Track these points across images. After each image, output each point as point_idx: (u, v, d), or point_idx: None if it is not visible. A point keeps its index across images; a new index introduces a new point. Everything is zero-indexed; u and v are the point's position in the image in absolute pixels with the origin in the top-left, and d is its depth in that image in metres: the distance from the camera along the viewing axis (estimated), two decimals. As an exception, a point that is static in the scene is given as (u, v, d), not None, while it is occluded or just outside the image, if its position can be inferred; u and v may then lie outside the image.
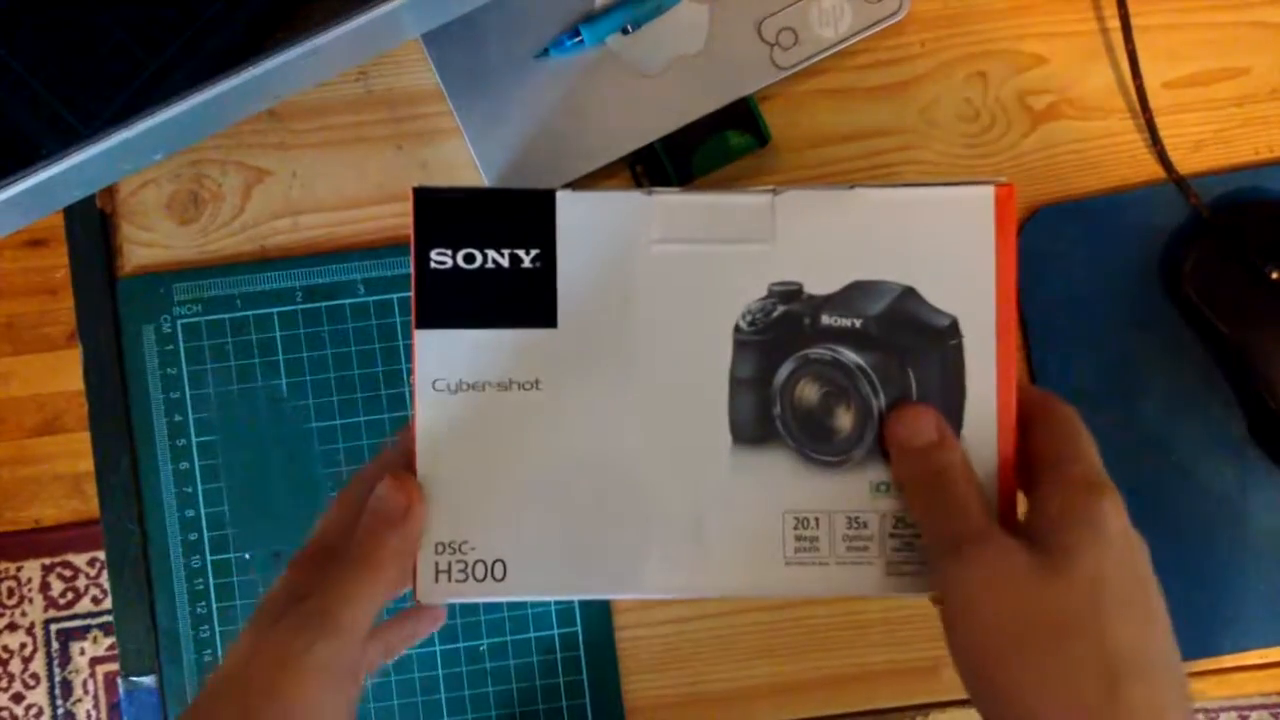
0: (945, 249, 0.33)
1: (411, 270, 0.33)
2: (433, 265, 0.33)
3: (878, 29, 0.47)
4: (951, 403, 0.33)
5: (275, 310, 0.48)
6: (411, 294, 0.34)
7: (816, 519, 0.34)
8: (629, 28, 0.46)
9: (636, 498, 0.34)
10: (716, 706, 0.48)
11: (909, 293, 0.33)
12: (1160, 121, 0.48)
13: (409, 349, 0.48)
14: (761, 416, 0.34)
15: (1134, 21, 0.47)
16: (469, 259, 0.33)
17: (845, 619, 0.48)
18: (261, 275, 0.48)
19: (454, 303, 0.33)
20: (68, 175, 0.35)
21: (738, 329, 0.33)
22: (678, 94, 0.47)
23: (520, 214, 0.33)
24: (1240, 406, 0.47)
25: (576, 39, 0.46)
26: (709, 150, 0.47)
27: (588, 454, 0.34)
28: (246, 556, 0.48)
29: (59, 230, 0.49)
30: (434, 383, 0.34)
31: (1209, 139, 0.49)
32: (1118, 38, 0.48)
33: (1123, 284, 0.48)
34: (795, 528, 0.33)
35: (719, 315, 0.33)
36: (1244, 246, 0.46)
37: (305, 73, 0.37)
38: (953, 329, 0.33)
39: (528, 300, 0.33)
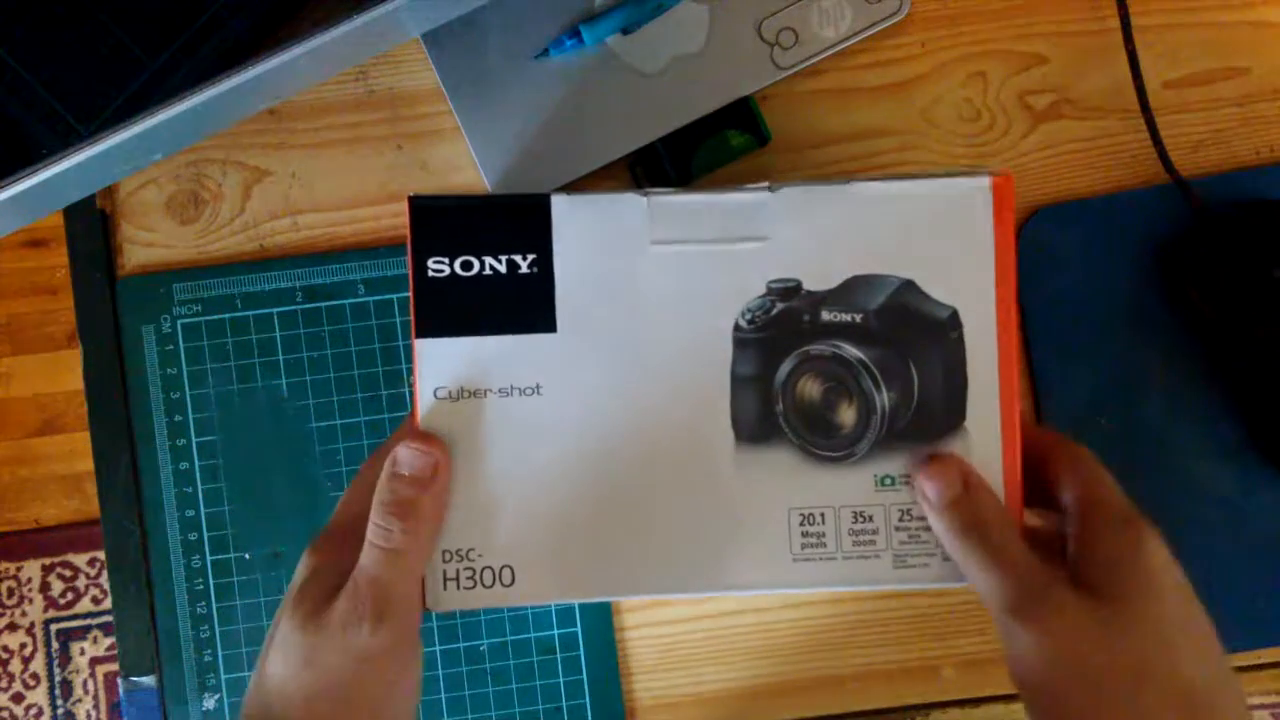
0: (943, 240, 0.33)
1: (409, 279, 0.33)
2: (430, 274, 0.33)
3: (878, 29, 0.47)
4: (954, 394, 0.33)
5: (275, 310, 0.48)
6: (410, 303, 0.34)
7: (822, 514, 0.34)
8: (629, 28, 0.46)
9: (641, 499, 0.34)
10: (716, 706, 0.48)
11: (908, 285, 0.33)
12: (1160, 121, 0.48)
13: (409, 349, 0.48)
14: (764, 414, 0.34)
15: (1134, 21, 0.47)
16: (466, 266, 0.33)
17: (845, 619, 0.48)
18: (261, 275, 0.48)
19: (453, 311, 0.33)
20: (68, 175, 0.35)
21: (737, 327, 0.33)
22: (678, 94, 0.47)
23: (516, 219, 0.33)
24: (1240, 407, 0.47)
25: (576, 39, 0.46)
26: (709, 150, 0.47)
27: (591, 457, 0.34)
28: (246, 556, 0.48)
29: (59, 230, 0.49)
30: (435, 391, 0.34)
31: (1209, 139, 0.49)
32: (1118, 38, 0.48)
33: (1123, 284, 0.48)
34: (801, 524, 0.34)
35: (718, 314, 0.33)
36: (1244, 246, 0.46)
37: (305, 73, 0.37)
38: (953, 320, 0.33)
39: (526, 306, 0.33)
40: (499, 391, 0.34)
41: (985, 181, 0.33)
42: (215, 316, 0.48)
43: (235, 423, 0.48)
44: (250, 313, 0.48)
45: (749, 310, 0.33)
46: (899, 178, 0.34)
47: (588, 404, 0.34)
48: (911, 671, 0.48)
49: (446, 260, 0.33)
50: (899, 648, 0.48)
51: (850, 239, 0.33)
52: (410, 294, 0.34)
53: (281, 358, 0.48)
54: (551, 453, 0.34)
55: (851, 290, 0.33)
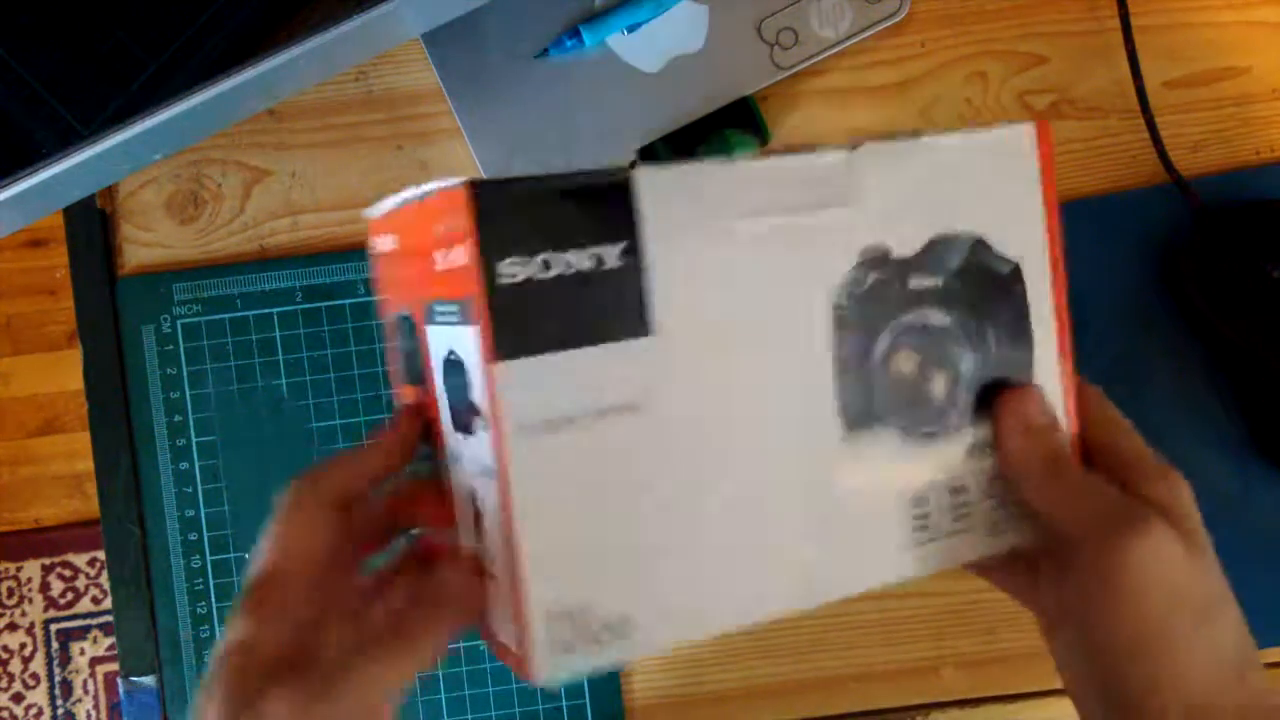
0: (1000, 192, 0.32)
1: (475, 289, 0.26)
2: (503, 280, 0.26)
3: (878, 29, 0.47)
4: (1021, 350, 0.32)
5: (275, 310, 0.48)
6: (478, 318, 0.26)
7: (926, 495, 0.31)
8: (629, 27, 0.46)
9: (755, 510, 0.29)
10: (716, 706, 0.48)
11: (980, 243, 0.31)
12: (1160, 121, 0.48)
13: (409, 349, 0.48)
14: (866, 397, 0.31)
15: (1134, 21, 0.47)
16: (545, 266, 0.27)
17: (845, 620, 0.48)
18: (261, 275, 0.48)
19: (535, 323, 0.27)
20: (68, 175, 0.36)
21: (837, 305, 0.30)
22: (678, 94, 0.47)
23: (597, 202, 0.27)
24: (1241, 406, 0.47)
25: (576, 39, 0.46)
26: (710, 150, 0.47)
27: (696, 473, 0.29)
28: (246, 556, 0.48)
29: (59, 230, 0.49)
30: (523, 425, 0.27)
31: (1209, 139, 0.49)
32: (1118, 38, 0.48)
33: (1123, 284, 0.48)
34: (911, 508, 0.31)
35: (814, 293, 0.30)
36: (1244, 246, 0.46)
37: (305, 73, 0.37)
38: (1016, 274, 0.32)
39: (616, 307, 0.28)
40: (594, 413, 0.28)
41: (1029, 129, 0.33)
42: (215, 316, 0.48)
43: (235, 423, 0.48)
44: (250, 313, 0.48)
45: (846, 286, 0.30)
46: (954, 132, 0.31)
47: (690, 415, 0.28)
48: (911, 671, 0.48)
49: (522, 260, 0.26)
50: (899, 648, 0.48)
51: (926, 198, 0.31)
52: (478, 307, 0.26)
53: (281, 358, 0.48)
54: (654, 475, 0.28)
55: (933, 253, 0.31)
